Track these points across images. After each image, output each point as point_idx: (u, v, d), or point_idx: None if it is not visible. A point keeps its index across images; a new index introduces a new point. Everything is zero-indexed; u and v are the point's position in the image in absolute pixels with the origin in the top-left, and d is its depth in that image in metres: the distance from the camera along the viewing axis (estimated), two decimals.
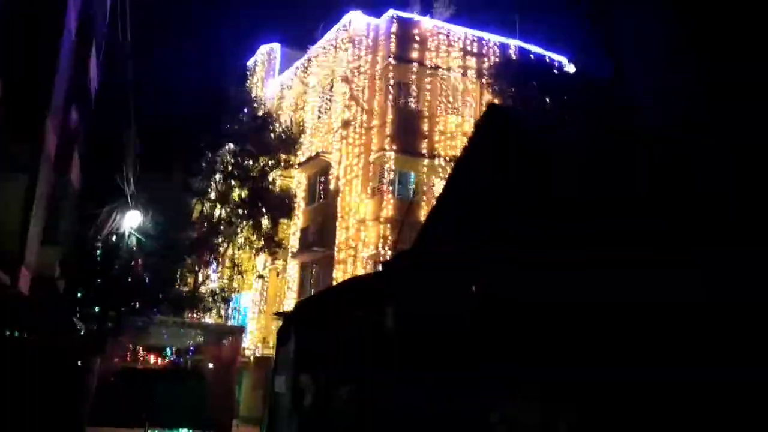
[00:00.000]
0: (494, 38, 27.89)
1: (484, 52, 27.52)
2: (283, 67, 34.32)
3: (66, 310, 15.80)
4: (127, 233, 16.61)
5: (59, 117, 15.81)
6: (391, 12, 26.44)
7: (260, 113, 28.16)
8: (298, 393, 8.67)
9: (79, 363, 16.69)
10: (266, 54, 35.84)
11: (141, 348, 20.81)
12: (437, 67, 26.46)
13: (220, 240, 25.31)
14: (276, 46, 35.67)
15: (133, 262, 18.08)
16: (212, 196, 25.54)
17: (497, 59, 27.19)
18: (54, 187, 15.99)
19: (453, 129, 26.30)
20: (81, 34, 17.18)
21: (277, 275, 28.40)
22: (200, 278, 25.70)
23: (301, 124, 28.43)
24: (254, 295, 29.65)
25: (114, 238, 16.72)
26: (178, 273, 23.90)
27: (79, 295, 16.28)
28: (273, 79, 34.46)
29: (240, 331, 21.36)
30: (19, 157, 11.92)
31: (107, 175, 18.47)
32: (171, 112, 23.94)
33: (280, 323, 11.26)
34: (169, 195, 22.19)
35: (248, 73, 34.60)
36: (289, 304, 27.40)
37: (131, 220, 16.54)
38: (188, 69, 30.59)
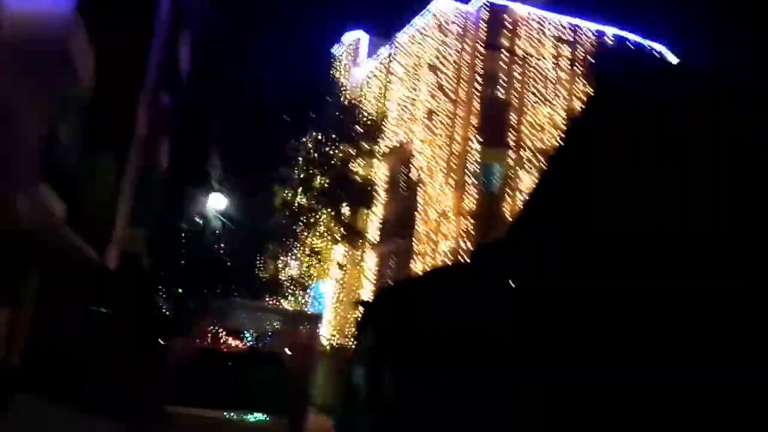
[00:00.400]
0: (590, 25, 26.66)
1: (578, 39, 26.36)
2: (369, 55, 34.10)
3: (150, 288, 16.14)
4: (211, 216, 16.81)
5: (150, 97, 16.12)
6: None
7: (345, 101, 28.11)
8: (375, 387, 8.27)
9: (161, 341, 17.06)
10: (353, 42, 35.71)
11: (222, 331, 21.14)
12: (528, 56, 25.56)
13: (301, 227, 25.42)
14: (362, 34, 35.47)
15: (216, 246, 18.33)
16: (295, 183, 25.66)
17: (592, 47, 26.02)
18: (143, 167, 16.37)
19: (542, 120, 25.36)
20: (175, 11, 17.43)
21: (356, 265, 28.33)
22: (280, 265, 25.93)
23: (385, 113, 28.14)
24: (332, 284, 29.71)
25: (199, 220, 16.97)
26: (260, 258, 24.20)
27: (163, 274, 16.60)
28: (358, 68, 34.33)
29: (318, 317, 21.31)
30: (110, 135, 12.17)
31: (194, 158, 18.79)
32: (258, 98, 24.18)
33: (360, 312, 10.94)
34: (254, 181, 22.46)
35: (333, 61, 34.61)
36: (366, 294, 27.31)
37: (216, 203, 16.73)
38: (275, 56, 30.96)
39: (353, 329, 27.12)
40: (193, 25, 20.77)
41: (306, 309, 25.84)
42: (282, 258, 25.98)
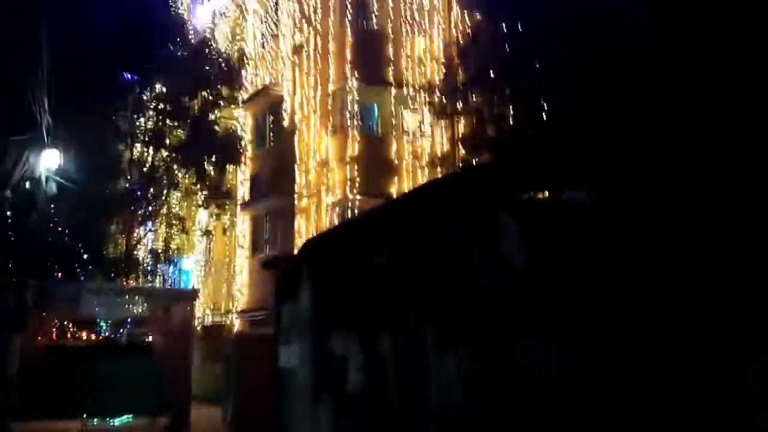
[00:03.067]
0: None
1: None
2: None
3: None
4: (43, 177, 13.56)
5: None
6: None
7: (192, 40, 24.85)
8: (329, 366, 6.16)
9: None
10: None
11: (69, 323, 17.80)
12: None
13: (156, 191, 22.17)
14: None
15: (53, 218, 15.05)
16: (144, 138, 22.25)
17: None
18: None
19: (420, 53, 23.81)
20: None
21: (224, 232, 25.54)
22: (135, 238, 22.58)
23: (243, 52, 25.26)
24: (197, 257, 26.76)
25: (27, 184, 13.64)
26: (109, 231, 20.81)
27: None
28: (202, 6, 30.83)
29: (192, 295, 18.63)
30: None
31: (13, 103, 15.23)
32: (87, 35, 20.47)
33: (278, 274, 8.66)
34: (91, 136, 18.96)
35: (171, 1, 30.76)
36: (241, 263, 24.75)
37: (49, 161, 13.50)
38: None
39: (233, 304, 24.52)
40: None
41: (172, 287, 22.83)
42: (136, 229, 22.60)
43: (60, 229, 16.38)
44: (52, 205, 14.58)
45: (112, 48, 21.15)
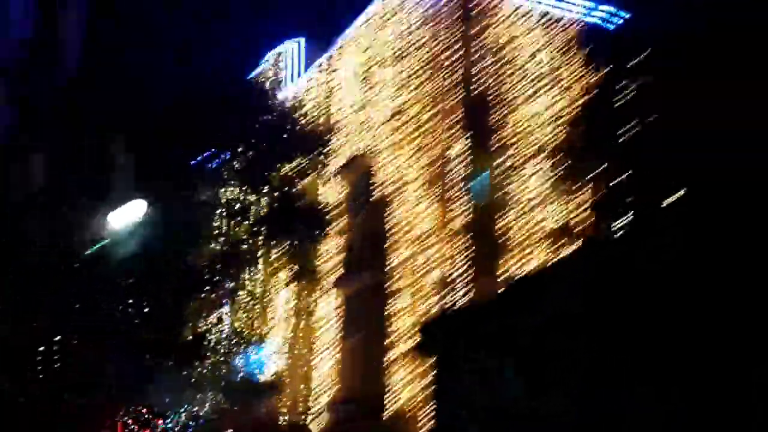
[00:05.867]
0: (574, 8, 22.98)
1: (564, 25, 22.58)
2: (306, 65, 29.58)
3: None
4: (117, 236, 11.32)
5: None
6: None
7: (281, 111, 23.15)
8: None
9: None
10: (285, 52, 31.01)
11: (129, 419, 15.09)
12: (507, 46, 21.49)
13: (237, 267, 19.83)
14: (295, 44, 30.91)
15: (124, 283, 12.77)
16: (227, 210, 20.17)
17: (577, 34, 22.34)
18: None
19: (535, 118, 21.17)
20: None
21: (310, 313, 22.76)
22: (212, 319, 20.14)
23: (334, 121, 23.34)
24: (279, 341, 23.95)
25: (98, 244, 11.44)
26: (184, 309, 18.43)
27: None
28: (292, 83, 29.59)
29: (276, 388, 15.82)
30: None
31: (88, 162, 13.42)
32: (173, 105, 19.04)
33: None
34: (172, 203, 16.93)
35: (262, 76, 29.64)
36: (329, 348, 21.77)
37: (132, 212, 11.26)
38: (188, 65, 25.96)
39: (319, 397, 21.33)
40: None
41: (253, 375, 20.02)
42: (213, 310, 20.18)
43: (131, 300, 14.05)
44: (125, 266, 12.26)
45: (196, 113, 19.66)
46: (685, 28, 19.22)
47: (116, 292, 13.25)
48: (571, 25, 22.59)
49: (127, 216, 11.59)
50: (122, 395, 13.02)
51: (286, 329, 22.57)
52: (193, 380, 15.54)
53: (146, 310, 16.59)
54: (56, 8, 14.19)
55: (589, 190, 19.62)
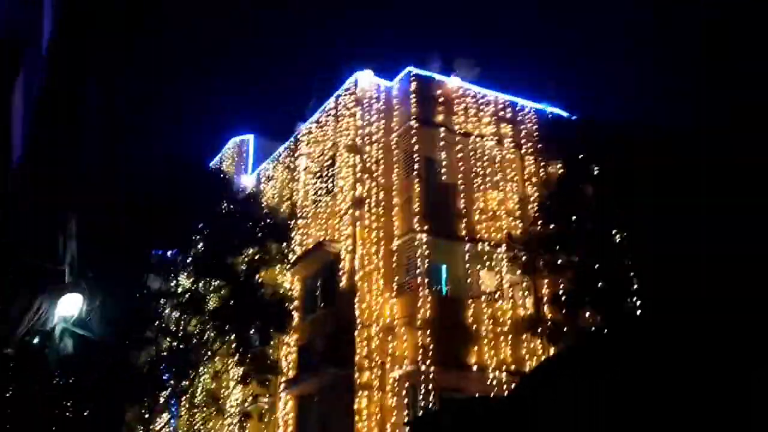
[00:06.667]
0: (529, 103, 23.75)
1: (519, 118, 23.21)
2: (257, 159, 29.54)
3: None
4: (58, 330, 10.33)
5: None
6: (409, 69, 22.10)
7: (239, 199, 22.62)
8: None
9: None
10: (236, 147, 31.00)
11: None
12: (468, 134, 21.85)
13: (187, 364, 18.54)
14: (249, 138, 30.99)
15: (60, 383, 11.59)
16: (179, 300, 19.10)
17: (534, 126, 22.97)
18: None
19: (494, 207, 21.24)
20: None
21: (261, 417, 21.33)
22: (161, 420, 18.58)
23: (292, 210, 22.92)
24: None
25: (36, 340, 10.40)
26: (126, 413, 16.97)
27: None
28: (246, 176, 29.32)
29: None
30: None
31: (31, 248, 12.47)
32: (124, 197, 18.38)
33: None
34: (117, 294, 15.89)
35: (216, 167, 29.30)
36: None
37: (67, 307, 10.34)
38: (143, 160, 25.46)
39: None
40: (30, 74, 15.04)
41: None
42: (160, 413, 18.66)
43: (68, 406, 12.76)
44: (63, 363, 11.13)
45: (150, 204, 19.00)
46: (639, 121, 20.08)
47: (53, 393, 12.04)
48: (529, 115, 23.36)
49: (62, 310, 10.63)
50: None
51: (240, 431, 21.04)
52: None
53: (85, 414, 15.24)
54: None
55: (556, 280, 19.56)
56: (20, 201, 14.37)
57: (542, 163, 21.79)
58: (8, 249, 11.63)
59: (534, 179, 21.88)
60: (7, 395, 11.98)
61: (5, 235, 12.92)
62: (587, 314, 17.95)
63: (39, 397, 11.98)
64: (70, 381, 13.82)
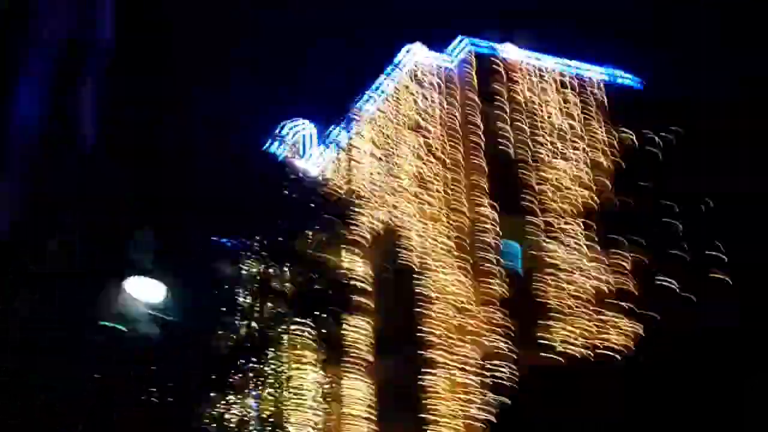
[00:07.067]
0: (593, 69, 22.96)
1: (584, 86, 22.46)
2: (315, 144, 29.55)
3: None
4: (138, 317, 10.47)
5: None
6: (464, 40, 21.60)
7: (304, 187, 22.66)
8: None
9: None
10: (294, 133, 31.04)
11: None
12: (531, 105, 21.29)
13: (264, 349, 18.77)
14: (304, 123, 30.98)
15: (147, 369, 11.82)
16: (251, 287, 19.31)
17: (601, 93, 22.20)
18: None
19: (563, 178, 20.68)
20: (63, 50, 12.20)
21: (337, 399, 21.45)
22: (237, 407, 18.89)
23: (359, 192, 22.84)
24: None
25: (116, 325, 10.56)
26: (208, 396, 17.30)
27: None
28: (306, 160, 29.38)
29: None
30: None
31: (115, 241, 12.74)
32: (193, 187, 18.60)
33: None
34: (194, 282, 16.12)
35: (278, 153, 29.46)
36: None
37: (152, 294, 10.45)
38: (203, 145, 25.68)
39: None
40: (98, 72, 15.23)
41: None
42: (238, 395, 18.97)
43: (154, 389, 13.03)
44: (148, 348, 11.32)
45: (219, 192, 19.19)
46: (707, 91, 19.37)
47: (130, 378, 12.29)
48: (595, 86, 22.58)
49: (145, 297, 10.76)
50: None
51: (317, 414, 21.24)
52: None
53: (169, 399, 15.53)
54: (66, 87, 13.68)
55: (630, 255, 18.97)
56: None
57: (611, 131, 21.08)
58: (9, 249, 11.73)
59: (604, 148, 21.19)
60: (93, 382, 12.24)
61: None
62: (669, 286, 17.41)
63: (125, 384, 12.22)
64: (153, 368, 14.05)
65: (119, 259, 12.18)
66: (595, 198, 20.21)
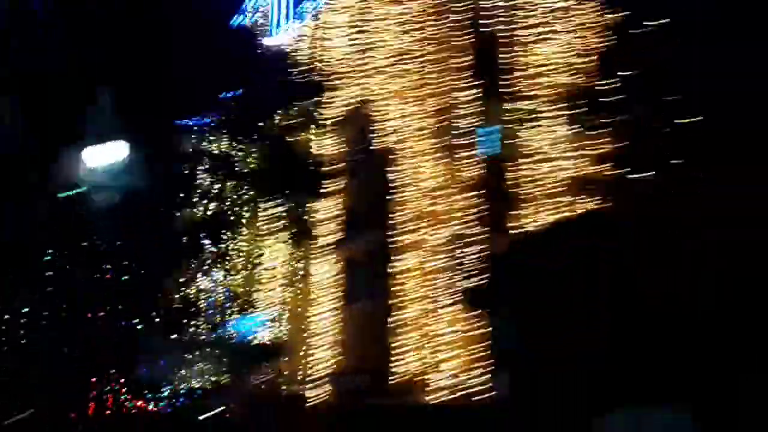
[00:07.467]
0: None
1: None
2: (284, 17, 27.91)
3: None
4: (93, 182, 9.86)
5: None
6: None
7: (270, 60, 21.54)
8: None
9: None
10: (264, 5, 29.27)
11: (122, 388, 13.69)
12: None
13: (227, 227, 18.36)
14: None
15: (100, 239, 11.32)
16: (214, 163, 18.62)
17: None
18: None
19: (548, 61, 19.87)
20: None
21: (303, 280, 21.38)
22: (197, 284, 18.68)
23: (331, 69, 21.77)
24: (270, 310, 22.56)
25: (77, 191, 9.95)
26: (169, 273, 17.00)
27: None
28: (274, 35, 27.84)
29: (273, 355, 14.50)
30: None
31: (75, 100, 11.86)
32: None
33: None
34: (156, 150, 15.38)
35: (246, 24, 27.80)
36: (326, 316, 20.44)
37: (112, 154, 9.81)
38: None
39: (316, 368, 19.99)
40: None
41: (247, 342, 18.63)
42: (199, 274, 18.72)
43: (111, 261, 12.57)
44: (103, 217, 10.75)
45: (185, 59, 18.09)
46: None
47: (99, 240, 11.80)
48: None
49: (107, 157, 10.05)
50: (113, 364, 11.62)
51: (282, 294, 21.20)
52: (185, 349, 14.12)
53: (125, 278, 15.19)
54: None
55: (607, 140, 18.58)
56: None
57: (601, 11, 20.09)
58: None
59: (592, 30, 20.26)
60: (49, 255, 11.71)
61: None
62: (641, 175, 17.15)
63: (82, 257, 11.72)
64: (113, 243, 13.56)
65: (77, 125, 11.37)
66: (581, 82, 19.55)
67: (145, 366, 13.40)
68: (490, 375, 13.95)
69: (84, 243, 12.07)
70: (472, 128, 18.52)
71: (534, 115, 19.06)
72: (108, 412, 13.22)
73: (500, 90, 19.03)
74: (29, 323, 10.96)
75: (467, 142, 18.42)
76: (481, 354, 15.99)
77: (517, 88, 19.18)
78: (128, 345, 12.60)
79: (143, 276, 15.86)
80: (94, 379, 11.74)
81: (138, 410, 14.21)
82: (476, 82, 18.65)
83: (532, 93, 19.17)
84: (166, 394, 13.93)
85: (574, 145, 19.17)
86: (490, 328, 13.98)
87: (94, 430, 12.69)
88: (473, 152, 18.39)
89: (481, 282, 15.08)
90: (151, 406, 14.58)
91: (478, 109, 18.60)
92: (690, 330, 9.13)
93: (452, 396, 16.15)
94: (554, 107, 19.09)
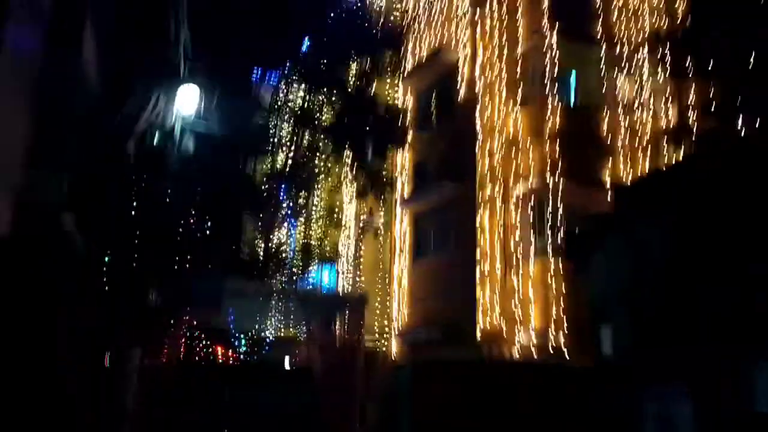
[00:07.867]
0: None
1: None
2: None
3: (78, 264, 9.16)
4: (178, 127, 9.84)
5: None
6: None
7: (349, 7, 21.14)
8: None
9: (107, 359, 10.09)
10: None
11: (202, 335, 14.11)
12: None
13: (303, 179, 18.41)
14: None
15: (190, 182, 11.45)
16: (291, 115, 18.61)
17: None
18: (56, 68, 9.61)
19: (636, 4, 18.79)
20: None
21: (376, 233, 21.37)
22: (278, 235, 18.91)
23: (406, 14, 21.28)
24: (343, 264, 22.74)
25: (156, 137, 9.98)
26: (248, 223, 17.23)
27: (98, 241, 9.55)
28: None
29: (361, 303, 14.52)
30: None
31: (144, 54, 11.79)
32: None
33: None
34: (232, 100, 15.41)
35: None
36: (399, 272, 20.40)
37: (187, 102, 9.74)
38: None
39: (390, 323, 20.04)
40: None
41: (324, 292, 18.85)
42: (279, 225, 18.93)
43: (192, 209, 12.74)
44: (191, 161, 10.82)
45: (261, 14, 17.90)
46: None
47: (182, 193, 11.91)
48: None
49: (185, 103, 9.99)
50: (200, 313, 11.88)
51: (358, 246, 21.29)
52: (269, 294, 14.33)
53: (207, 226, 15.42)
54: None
55: (707, 87, 17.49)
56: None
57: None
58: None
59: None
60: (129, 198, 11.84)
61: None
62: (740, 124, 16.06)
63: (160, 204, 11.90)
64: (192, 190, 13.67)
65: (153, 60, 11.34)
66: (667, 26, 18.41)
67: (227, 310, 13.71)
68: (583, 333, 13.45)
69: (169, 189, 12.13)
70: (552, 75, 17.73)
71: (621, 61, 18.15)
72: (193, 356, 13.68)
73: (584, 34, 18.16)
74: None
75: (548, 89, 17.69)
76: (568, 311, 15.53)
77: (603, 32, 18.26)
78: (210, 290, 12.87)
79: (223, 225, 16.13)
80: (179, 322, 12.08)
81: (218, 356, 14.65)
82: (557, 27, 17.77)
83: (619, 37, 18.24)
84: (244, 341, 14.25)
85: (666, 93, 18.24)
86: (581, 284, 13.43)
87: (175, 375, 13.10)
88: (555, 101, 17.65)
89: (570, 236, 14.53)
90: (230, 353, 15.01)
91: (560, 55, 17.77)
92: None
93: (532, 352, 15.87)
94: (642, 52, 18.13)
